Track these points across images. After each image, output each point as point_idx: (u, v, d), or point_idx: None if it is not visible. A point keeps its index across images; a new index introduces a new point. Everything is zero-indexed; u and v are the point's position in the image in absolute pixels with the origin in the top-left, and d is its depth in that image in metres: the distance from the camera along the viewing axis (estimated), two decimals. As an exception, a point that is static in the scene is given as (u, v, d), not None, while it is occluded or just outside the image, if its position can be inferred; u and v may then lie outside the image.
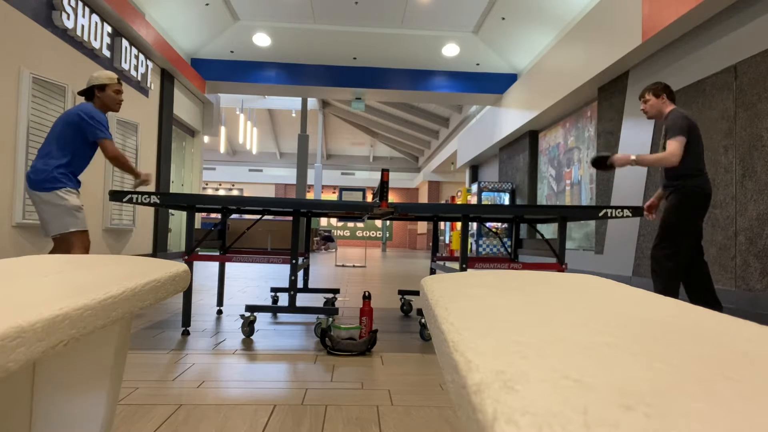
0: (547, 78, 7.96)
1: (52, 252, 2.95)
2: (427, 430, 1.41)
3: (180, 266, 0.90)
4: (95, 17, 6.13)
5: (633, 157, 3.08)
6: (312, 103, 17.25)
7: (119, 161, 2.99)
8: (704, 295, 3.13)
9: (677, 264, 3.01)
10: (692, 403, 0.26)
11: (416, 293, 3.59)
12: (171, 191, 9.32)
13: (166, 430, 1.36)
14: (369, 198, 24.69)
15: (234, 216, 14.25)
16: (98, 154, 6.35)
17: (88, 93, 3.09)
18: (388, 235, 24.32)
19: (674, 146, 2.96)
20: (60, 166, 2.90)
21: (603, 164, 3.18)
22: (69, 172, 2.94)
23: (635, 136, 5.90)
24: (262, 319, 3.12)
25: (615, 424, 0.24)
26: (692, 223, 3.00)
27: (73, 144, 2.94)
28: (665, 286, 3.01)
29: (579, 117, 7.94)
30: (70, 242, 2.90)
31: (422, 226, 22.80)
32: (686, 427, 0.23)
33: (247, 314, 2.63)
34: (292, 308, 2.58)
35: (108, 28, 6.47)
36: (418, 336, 2.75)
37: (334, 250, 16.51)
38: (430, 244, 21.13)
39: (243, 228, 11.43)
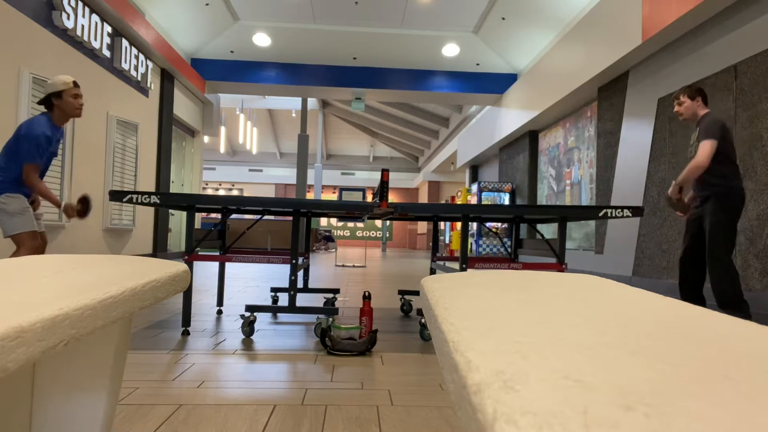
0: (547, 78, 7.96)
1: (13, 254, 2.97)
2: (427, 430, 1.41)
3: (180, 266, 0.90)
4: (95, 17, 6.13)
5: (675, 182, 3.16)
6: (312, 103, 17.26)
7: (35, 190, 2.93)
8: (695, 294, 3.20)
9: (731, 263, 3.01)
10: (692, 403, 0.26)
11: (416, 293, 3.59)
12: (171, 191, 9.33)
13: (166, 430, 1.36)
14: (369, 198, 24.68)
15: (234, 216, 14.25)
16: (96, 156, 6.35)
17: (46, 102, 3.00)
18: (388, 235, 24.32)
19: (704, 149, 2.99)
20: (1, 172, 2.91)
21: (672, 203, 3.25)
22: (10, 178, 2.93)
23: (635, 136, 5.90)
24: (262, 319, 3.12)
25: (615, 424, 0.24)
26: (735, 221, 3.02)
27: (16, 155, 2.92)
28: (735, 291, 2.95)
29: (579, 117, 7.94)
30: (18, 242, 2.94)
31: (422, 226, 22.80)
32: (686, 427, 0.23)
33: (247, 314, 2.63)
34: (292, 308, 2.58)
35: (108, 28, 6.47)
36: (418, 336, 2.75)
37: (334, 250, 16.51)
38: (430, 244, 21.13)
39: (243, 228, 11.43)
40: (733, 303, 2.95)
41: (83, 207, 3.11)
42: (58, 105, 2.99)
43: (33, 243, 2.96)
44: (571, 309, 0.52)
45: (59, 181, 5.45)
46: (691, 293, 3.23)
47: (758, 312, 3.94)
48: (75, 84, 3.04)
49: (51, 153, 3.07)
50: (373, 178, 23.89)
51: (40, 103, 3.04)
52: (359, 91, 10.18)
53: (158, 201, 2.49)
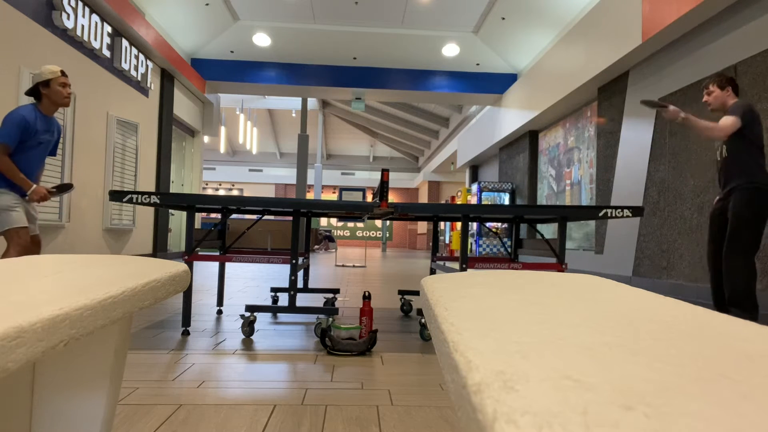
0: (547, 78, 7.96)
1: (4, 254, 2.94)
2: (427, 430, 1.41)
3: (180, 266, 0.90)
4: (95, 17, 6.13)
5: (683, 115, 2.99)
6: (312, 103, 17.26)
7: (4, 171, 2.86)
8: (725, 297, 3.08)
9: (752, 263, 2.91)
10: (692, 403, 0.26)
11: (416, 293, 3.59)
12: (171, 191, 9.33)
13: (166, 430, 1.36)
14: (369, 198, 24.68)
15: (234, 216, 14.25)
16: (96, 156, 6.35)
17: (35, 92, 2.98)
18: (388, 235, 24.32)
19: (727, 121, 2.88)
20: None
21: (656, 106, 3.08)
22: None
23: (635, 136, 5.90)
24: (262, 319, 3.12)
25: (615, 424, 0.24)
26: (762, 219, 2.90)
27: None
28: (746, 291, 2.86)
29: (579, 117, 7.93)
30: (7, 239, 2.92)
31: (422, 226, 22.80)
32: (686, 427, 0.23)
33: (247, 314, 2.63)
34: (292, 308, 2.58)
35: (108, 28, 6.47)
36: (418, 336, 2.74)
37: (334, 250, 16.51)
38: (430, 244, 21.13)
39: (243, 228, 11.42)
40: (743, 302, 2.85)
41: (59, 190, 3.07)
42: (46, 94, 2.97)
43: (20, 240, 2.91)
44: (571, 309, 0.52)
45: (59, 182, 5.45)
46: (722, 291, 3.08)
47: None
48: (62, 73, 3.03)
49: (38, 143, 3.00)
50: (373, 178, 23.89)
51: (28, 93, 3.00)
52: (359, 91, 10.18)
53: (158, 201, 2.49)
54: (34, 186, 2.96)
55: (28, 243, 2.97)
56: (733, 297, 2.90)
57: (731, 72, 4.36)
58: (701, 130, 2.94)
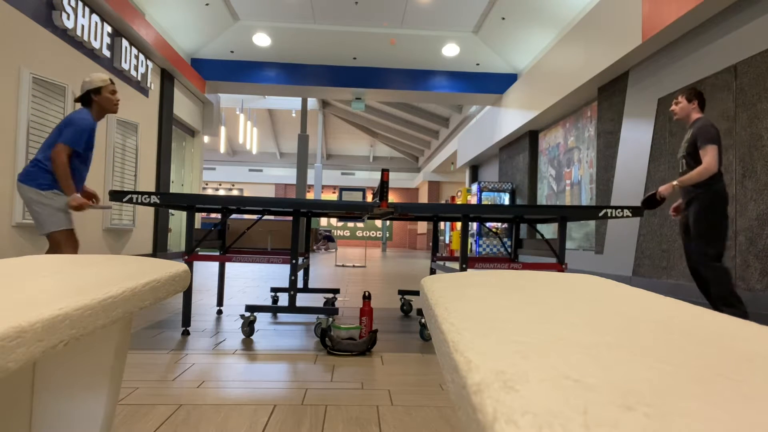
0: (547, 78, 7.96)
1: (48, 251, 2.97)
2: (427, 430, 1.41)
3: (180, 266, 0.90)
4: (95, 17, 6.13)
5: (675, 183, 3.17)
6: (312, 103, 17.25)
7: (57, 170, 2.85)
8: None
9: (723, 264, 3.08)
10: (692, 403, 0.26)
11: (416, 293, 3.59)
12: (171, 191, 9.32)
13: (166, 430, 1.36)
14: (369, 198, 24.69)
15: (234, 216, 14.25)
16: (96, 156, 6.35)
17: (84, 98, 3.06)
18: (388, 235, 24.32)
19: (711, 156, 3.04)
20: (47, 169, 2.91)
21: (654, 202, 3.29)
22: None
23: (635, 136, 5.90)
24: (262, 319, 3.12)
25: (615, 424, 0.24)
26: (721, 225, 3.08)
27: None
28: (728, 290, 2.98)
29: (579, 117, 7.94)
30: (57, 240, 2.94)
31: (422, 226, 22.80)
32: (686, 427, 0.23)
33: (247, 314, 2.63)
34: (292, 308, 2.58)
35: (108, 28, 6.47)
36: (418, 336, 2.74)
37: (334, 250, 16.51)
38: (430, 244, 21.13)
39: (243, 228, 11.42)
40: (728, 302, 3.00)
41: (96, 206, 3.12)
42: (98, 101, 3.05)
43: (72, 242, 2.98)
44: (571, 309, 0.52)
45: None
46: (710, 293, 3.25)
47: (758, 312, 3.94)
48: (111, 81, 3.11)
49: (90, 147, 3.08)
50: (373, 178, 23.89)
51: (77, 100, 3.06)
52: (359, 91, 10.18)
53: (158, 201, 2.49)
54: (77, 194, 2.95)
55: (78, 243, 3.03)
56: (717, 301, 3.05)
57: (731, 72, 4.36)
58: (695, 179, 3.09)
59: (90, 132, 2.99)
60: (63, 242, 2.94)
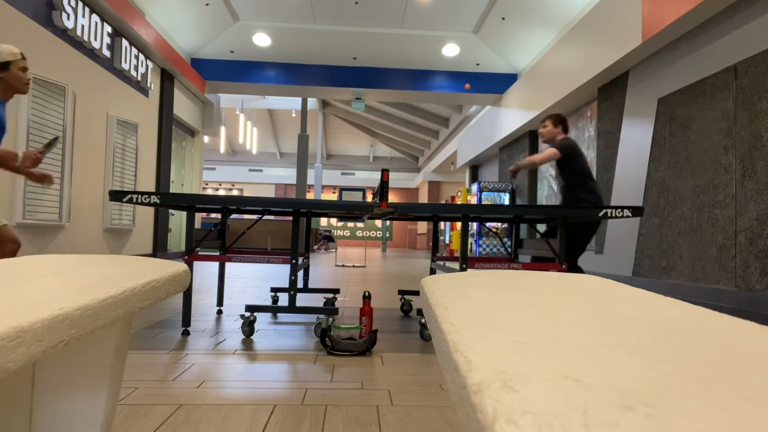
0: (547, 78, 7.96)
1: None
2: (427, 430, 1.41)
3: (180, 266, 0.90)
4: (95, 17, 6.13)
5: (520, 162, 3.57)
6: (312, 103, 17.25)
7: None
8: None
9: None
10: (692, 403, 0.26)
11: (416, 293, 3.59)
12: (171, 191, 9.32)
13: (166, 430, 1.36)
14: (369, 198, 24.68)
15: (234, 216, 14.25)
16: (96, 156, 6.35)
17: None
18: (388, 235, 24.31)
19: (548, 151, 3.57)
20: None
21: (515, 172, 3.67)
22: None
23: (635, 137, 5.90)
24: (262, 319, 3.12)
25: (615, 424, 0.24)
26: (592, 230, 3.51)
27: None
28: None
29: (579, 117, 7.93)
30: None
31: (422, 226, 22.80)
32: (686, 427, 0.23)
33: (247, 314, 2.63)
34: (292, 308, 2.58)
35: (108, 28, 6.47)
36: (418, 336, 2.74)
37: (334, 250, 16.50)
38: (430, 244, 21.12)
39: (243, 228, 11.42)
40: None
41: (47, 147, 2.69)
42: (5, 78, 2.57)
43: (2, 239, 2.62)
44: (571, 309, 0.52)
45: (59, 182, 5.45)
46: None
47: (758, 312, 3.94)
48: (23, 56, 2.64)
49: (0, 129, 2.64)
50: (373, 178, 23.88)
51: None
52: (359, 91, 10.18)
53: (158, 201, 2.49)
54: (22, 151, 2.56)
55: (14, 240, 2.69)
56: None
57: (731, 72, 4.36)
58: (533, 162, 3.51)
59: None
60: None
